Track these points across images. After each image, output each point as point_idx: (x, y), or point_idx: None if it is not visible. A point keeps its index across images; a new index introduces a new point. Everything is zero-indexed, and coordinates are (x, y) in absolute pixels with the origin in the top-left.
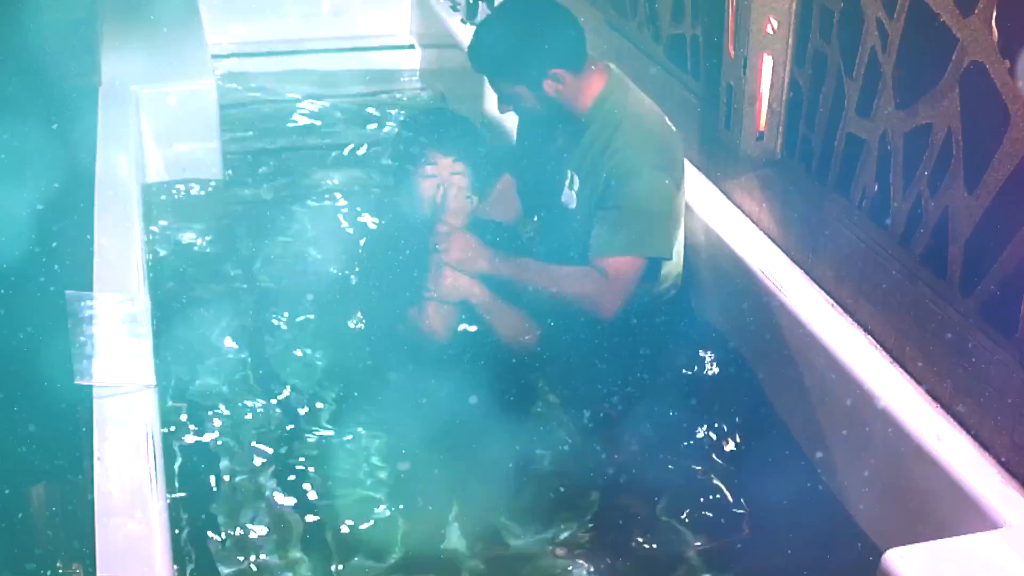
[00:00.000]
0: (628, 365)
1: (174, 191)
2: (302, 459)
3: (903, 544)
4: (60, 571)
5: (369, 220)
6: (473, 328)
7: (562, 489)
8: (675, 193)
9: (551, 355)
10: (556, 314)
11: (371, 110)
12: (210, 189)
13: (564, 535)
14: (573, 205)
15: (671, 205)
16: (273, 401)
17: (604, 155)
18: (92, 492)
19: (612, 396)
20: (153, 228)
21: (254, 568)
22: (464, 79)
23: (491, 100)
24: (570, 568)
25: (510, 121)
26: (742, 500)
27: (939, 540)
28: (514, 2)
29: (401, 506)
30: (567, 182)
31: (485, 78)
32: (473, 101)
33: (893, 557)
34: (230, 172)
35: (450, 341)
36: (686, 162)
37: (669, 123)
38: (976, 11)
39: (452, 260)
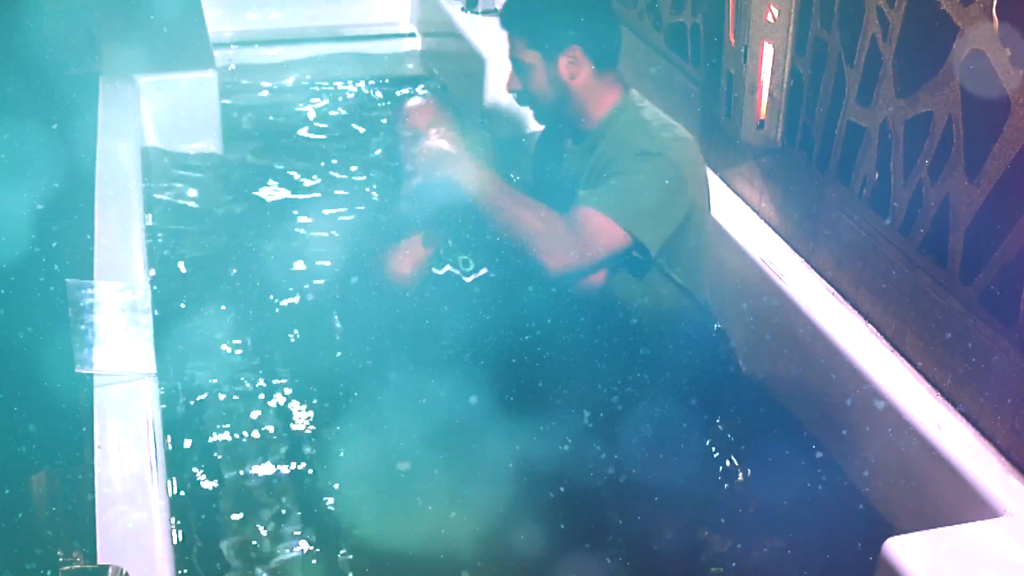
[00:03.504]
0: (628, 365)
1: (175, 180)
2: (302, 451)
3: (904, 532)
4: (61, 559)
5: (371, 213)
6: (443, 271)
7: (562, 489)
8: (676, 198)
9: (551, 355)
10: (511, 248)
11: (374, 97)
12: (211, 179)
13: (564, 535)
14: None
15: (666, 202)
16: (273, 392)
17: (606, 167)
18: (93, 481)
19: (612, 396)
20: (153, 218)
21: (254, 557)
22: (465, 68)
23: (492, 90)
24: (570, 568)
25: (508, 114)
26: (743, 495)
27: (940, 528)
28: None
29: (401, 506)
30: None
31: (485, 67)
32: (474, 90)
33: (894, 546)
34: (231, 162)
35: (419, 284)
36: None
37: (690, 141)
38: None
39: (423, 161)
